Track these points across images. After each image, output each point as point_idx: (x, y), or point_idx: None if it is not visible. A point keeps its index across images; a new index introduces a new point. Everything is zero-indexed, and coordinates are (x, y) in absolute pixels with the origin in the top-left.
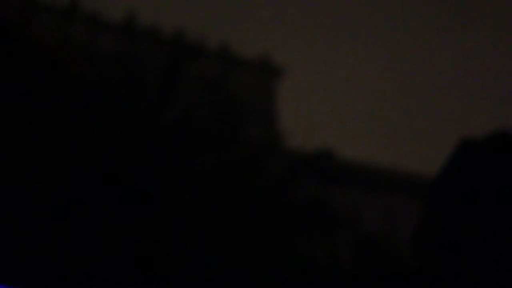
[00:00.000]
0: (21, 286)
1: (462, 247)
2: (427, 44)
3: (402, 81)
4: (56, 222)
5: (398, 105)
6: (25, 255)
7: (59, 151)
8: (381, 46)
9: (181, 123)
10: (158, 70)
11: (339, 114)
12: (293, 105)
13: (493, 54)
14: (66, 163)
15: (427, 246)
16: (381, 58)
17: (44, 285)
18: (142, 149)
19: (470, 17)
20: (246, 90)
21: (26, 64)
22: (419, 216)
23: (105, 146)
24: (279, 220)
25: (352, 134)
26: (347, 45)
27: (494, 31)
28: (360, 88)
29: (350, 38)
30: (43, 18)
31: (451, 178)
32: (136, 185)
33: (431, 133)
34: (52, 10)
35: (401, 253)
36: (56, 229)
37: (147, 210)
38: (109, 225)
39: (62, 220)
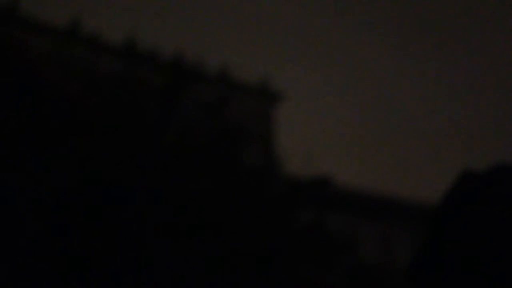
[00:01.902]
0: None
1: (459, 281)
2: (428, 72)
3: (403, 108)
4: (50, 236)
5: (398, 132)
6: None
7: (57, 172)
8: (381, 73)
9: (179, 146)
10: (157, 92)
11: (337, 140)
12: (291, 130)
13: (492, 88)
14: (63, 183)
15: (423, 279)
16: (383, 85)
17: None
18: (140, 171)
19: (470, 48)
20: (244, 115)
21: (27, 90)
22: (417, 246)
23: (102, 167)
24: (275, 245)
25: (350, 161)
26: (346, 72)
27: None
28: (359, 114)
29: (349, 65)
30: (43, 40)
31: (450, 210)
32: (130, 205)
33: (431, 161)
34: (53, 32)
35: (396, 283)
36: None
37: (140, 231)
38: (99, 244)
39: (56, 235)
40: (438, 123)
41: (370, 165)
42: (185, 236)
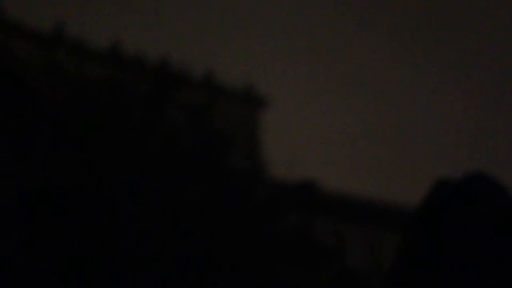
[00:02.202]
0: None
1: (438, 284)
2: (416, 78)
3: (388, 113)
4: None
5: (383, 136)
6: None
7: (41, 173)
8: (367, 77)
9: (165, 151)
10: (142, 97)
11: (323, 144)
12: (277, 135)
13: (484, 96)
14: (46, 186)
15: (404, 282)
16: (367, 90)
17: None
18: (125, 175)
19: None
20: (230, 120)
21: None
22: (396, 253)
23: (85, 171)
24: (261, 250)
25: (336, 165)
26: (332, 76)
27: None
28: (345, 119)
29: (336, 69)
30: (27, 44)
31: (426, 219)
32: (115, 210)
33: (416, 165)
34: (37, 37)
35: (383, 286)
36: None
37: (125, 236)
38: (86, 250)
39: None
40: (426, 126)
41: (356, 169)
42: (170, 239)
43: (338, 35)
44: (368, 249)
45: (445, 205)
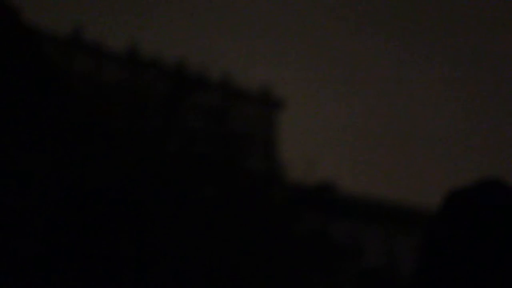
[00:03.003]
0: None
1: None
2: (432, 75)
3: (405, 114)
4: (53, 237)
5: (401, 137)
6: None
7: (61, 176)
8: (385, 77)
9: (183, 153)
10: (160, 100)
11: (340, 146)
12: (294, 137)
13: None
14: (66, 187)
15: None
16: (386, 89)
17: None
18: (143, 177)
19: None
20: (247, 122)
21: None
22: (417, 260)
23: (106, 173)
24: (278, 252)
25: (353, 167)
26: (349, 78)
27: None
28: (362, 121)
29: (351, 70)
30: (46, 46)
31: (442, 229)
32: (133, 211)
33: (435, 166)
34: (56, 40)
35: (402, 286)
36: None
37: (142, 238)
38: (104, 250)
39: (58, 235)
40: (443, 127)
41: (373, 170)
42: (189, 240)
43: (353, 37)
44: (386, 249)
45: (460, 215)
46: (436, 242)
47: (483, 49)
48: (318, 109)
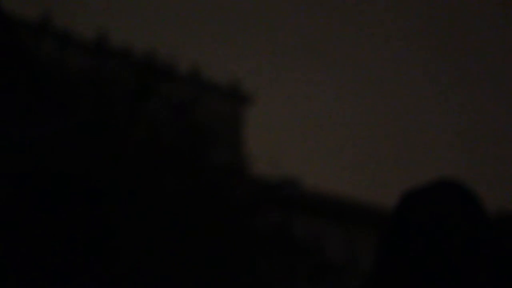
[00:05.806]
0: None
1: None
2: (406, 74)
3: (370, 113)
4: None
5: (365, 137)
6: None
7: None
8: (351, 76)
9: (147, 143)
10: (127, 90)
11: (305, 143)
12: (260, 132)
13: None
14: (21, 169)
15: (382, 285)
16: (350, 89)
17: None
18: (105, 164)
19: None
20: (214, 115)
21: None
22: (374, 259)
23: (65, 157)
24: (240, 247)
25: (317, 164)
26: (317, 74)
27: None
28: (327, 119)
29: (320, 67)
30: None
31: (395, 230)
32: (90, 198)
33: (396, 165)
34: (23, 26)
35: (361, 283)
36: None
37: (99, 225)
38: (55, 234)
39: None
40: (409, 127)
41: (338, 169)
42: (149, 234)
43: (322, 33)
44: (346, 246)
45: (410, 215)
46: (391, 242)
47: (482, 46)
48: (286, 105)
